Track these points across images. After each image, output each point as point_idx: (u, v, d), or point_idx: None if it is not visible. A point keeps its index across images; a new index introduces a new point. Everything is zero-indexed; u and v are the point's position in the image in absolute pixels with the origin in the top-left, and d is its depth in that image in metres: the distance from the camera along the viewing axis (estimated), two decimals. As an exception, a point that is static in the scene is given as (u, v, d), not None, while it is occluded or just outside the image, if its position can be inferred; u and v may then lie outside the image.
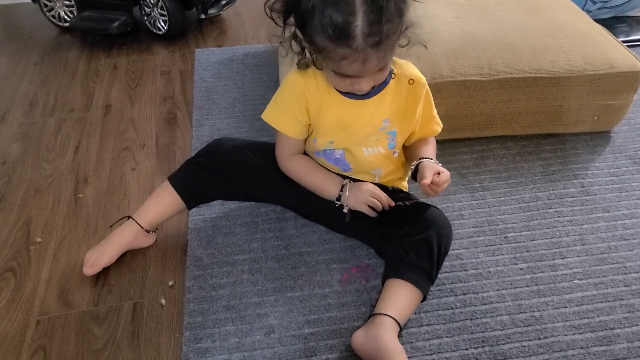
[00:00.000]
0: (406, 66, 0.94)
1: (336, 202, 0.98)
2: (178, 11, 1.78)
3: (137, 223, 1.03)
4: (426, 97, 0.96)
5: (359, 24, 0.70)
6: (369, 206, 0.97)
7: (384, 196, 0.96)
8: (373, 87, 0.88)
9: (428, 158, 0.94)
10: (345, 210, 0.98)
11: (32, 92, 1.61)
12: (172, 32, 1.82)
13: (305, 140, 1.02)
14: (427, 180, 0.87)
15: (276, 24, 0.81)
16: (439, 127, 1.02)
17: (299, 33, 0.79)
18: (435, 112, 1.00)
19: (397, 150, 1.00)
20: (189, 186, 1.04)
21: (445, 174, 0.91)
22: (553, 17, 1.37)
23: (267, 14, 0.80)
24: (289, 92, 0.94)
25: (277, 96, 0.97)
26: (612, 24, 1.85)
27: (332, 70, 0.81)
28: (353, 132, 0.95)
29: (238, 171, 1.04)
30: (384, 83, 0.91)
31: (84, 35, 1.90)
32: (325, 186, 0.99)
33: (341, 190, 0.97)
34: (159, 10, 1.79)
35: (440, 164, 0.94)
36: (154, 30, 1.86)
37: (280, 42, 0.83)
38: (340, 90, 0.89)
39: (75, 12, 1.87)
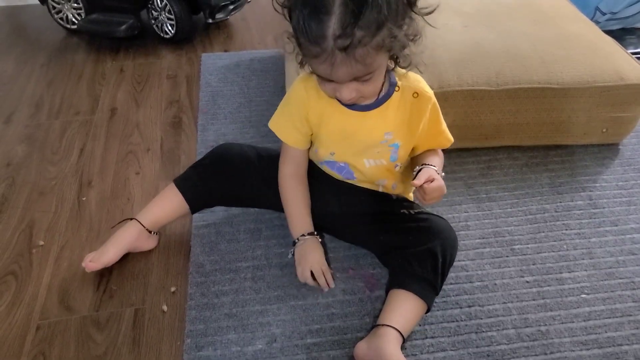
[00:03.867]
0: (412, 79, 0.91)
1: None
2: (185, 15, 1.78)
3: (140, 223, 1.03)
4: (432, 111, 0.92)
5: (331, 25, 0.69)
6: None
7: (321, 275, 0.98)
8: (376, 99, 0.88)
9: (432, 165, 0.91)
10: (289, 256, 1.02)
11: (38, 94, 1.61)
12: (179, 36, 1.82)
13: (309, 150, 1.01)
14: (417, 182, 0.85)
15: (285, 18, 0.80)
16: (447, 142, 0.98)
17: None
18: (444, 126, 0.96)
19: (400, 164, 0.98)
20: (194, 189, 1.04)
21: (438, 182, 0.87)
22: (562, 27, 1.36)
23: (275, 9, 0.80)
24: (291, 101, 0.94)
25: (282, 105, 0.97)
26: (621, 35, 1.84)
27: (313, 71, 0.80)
28: (354, 143, 0.93)
29: (243, 177, 1.04)
30: (387, 95, 0.89)
31: (91, 38, 1.90)
32: (292, 225, 1.01)
33: (294, 244, 1.00)
34: (166, 14, 1.79)
35: (443, 174, 0.91)
36: (161, 34, 1.86)
37: (288, 37, 0.82)
38: (327, 94, 0.86)
39: (83, 15, 1.88)
